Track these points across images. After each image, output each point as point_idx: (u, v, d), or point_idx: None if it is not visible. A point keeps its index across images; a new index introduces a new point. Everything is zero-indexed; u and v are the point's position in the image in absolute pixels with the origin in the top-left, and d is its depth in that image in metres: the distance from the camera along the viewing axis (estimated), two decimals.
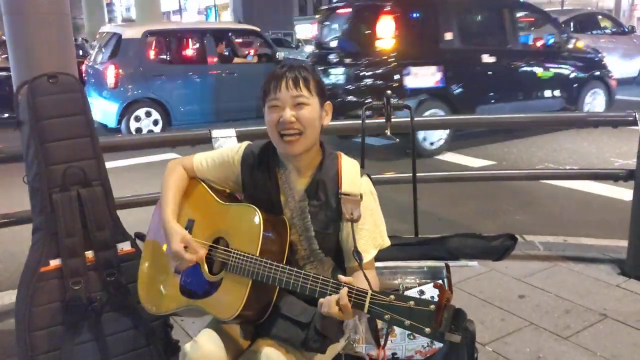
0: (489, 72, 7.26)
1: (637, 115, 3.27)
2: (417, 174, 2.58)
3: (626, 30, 12.73)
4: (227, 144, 2.82)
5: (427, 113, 6.58)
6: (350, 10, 7.45)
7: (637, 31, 14.11)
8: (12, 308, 2.30)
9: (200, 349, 1.54)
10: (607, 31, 12.56)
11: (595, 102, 8.19)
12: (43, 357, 2.06)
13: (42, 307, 2.07)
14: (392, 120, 2.58)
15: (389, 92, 2.50)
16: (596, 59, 8.29)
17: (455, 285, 2.09)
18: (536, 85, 7.61)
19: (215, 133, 2.89)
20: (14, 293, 2.21)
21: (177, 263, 1.63)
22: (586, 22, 12.38)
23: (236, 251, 1.56)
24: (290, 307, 1.58)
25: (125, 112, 8.04)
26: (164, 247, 1.76)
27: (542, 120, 4.83)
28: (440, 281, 1.99)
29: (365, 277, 1.51)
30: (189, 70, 8.84)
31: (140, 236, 2.02)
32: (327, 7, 8.60)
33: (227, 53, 9.59)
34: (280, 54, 9.29)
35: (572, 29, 11.25)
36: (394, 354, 1.90)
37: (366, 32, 7.11)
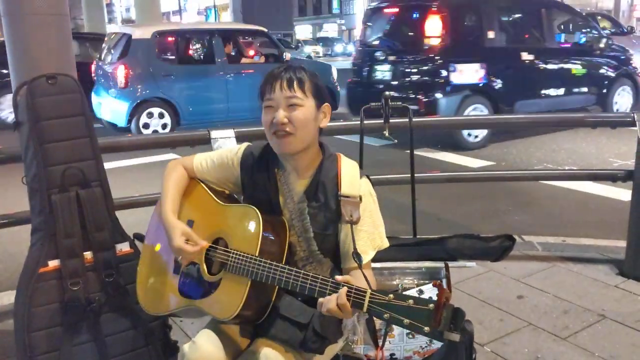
0: (527, 69, 7.59)
1: (635, 116, 3.27)
2: (416, 175, 2.59)
3: (625, 30, 12.77)
4: (226, 145, 2.82)
5: (469, 108, 7.04)
6: (397, 9, 7.91)
7: (636, 32, 14.13)
8: (11, 309, 2.30)
9: (199, 349, 1.54)
10: (607, 32, 12.55)
11: (622, 99, 8.52)
12: (42, 358, 2.06)
13: (41, 308, 2.07)
14: (391, 120, 2.58)
15: (387, 93, 2.50)
16: (623, 57, 8.64)
17: (453, 285, 2.09)
18: (570, 82, 8.00)
19: (215, 134, 2.90)
20: (13, 294, 2.21)
21: (180, 257, 1.64)
22: None
23: (235, 251, 1.57)
24: (289, 307, 1.59)
25: (135, 111, 8.10)
26: (157, 247, 1.77)
27: (541, 120, 4.84)
28: (439, 281, 2.00)
29: (365, 276, 1.52)
30: (198, 70, 8.91)
31: (139, 237, 2.02)
32: (372, 6, 8.94)
33: (233, 53, 9.62)
34: (287, 54, 9.34)
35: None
36: (392, 354, 1.90)
37: (413, 30, 7.59)
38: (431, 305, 1.27)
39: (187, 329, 2.71)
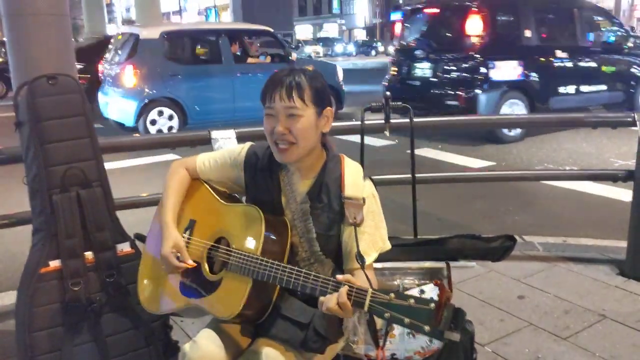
0: (560, 67, 8.01)
1: (636, 116, 3.27)
2: (417, 175, 2.59)
3: None
4: (227, 145, 2.82)
5: (507, 103, 7.50)
6: (437, 9, 8.40)
7: (637, 31, 14.14)
8: (12, 309, 2.30)
9: (200, 349, 1.55)
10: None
11: None
12: (43, 358, 2.06)
13: (42, 308, 2.07)
14: (392, 121, 2.58)
15: (388, 93, 2.50)
16: None
17: (454, 285, 2.09)
18: (600, 79, 8.40)
19: (215, 134, 2.90)
20: (14, 294, 2.21)
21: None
22: None
23: (237, 251, 1.57)
24: (290, 307, 1.59)
25: (143, 111, 8.16)
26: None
27: (541, 120, 4.84)
28: (440, 280, 2.00)
29: (366, 276, 1.52)
30: (205, 70, 8.95)
31: (140, 237, 2.02)
32: (412, 6, 9.41)
33: (239, 53, 9.65)
34: (294, 54, 9.36)
35: None
36: (393, 354, 1.90)
37: (454, 29, 8.03)
38: (432, 305, 1.27)
39: (187, 329, 2.71)
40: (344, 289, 1.38)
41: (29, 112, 2.10)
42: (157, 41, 8.34)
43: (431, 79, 7.90)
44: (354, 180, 1.65)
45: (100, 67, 9.17)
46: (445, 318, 1.25)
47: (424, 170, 3.89)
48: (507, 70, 7.51)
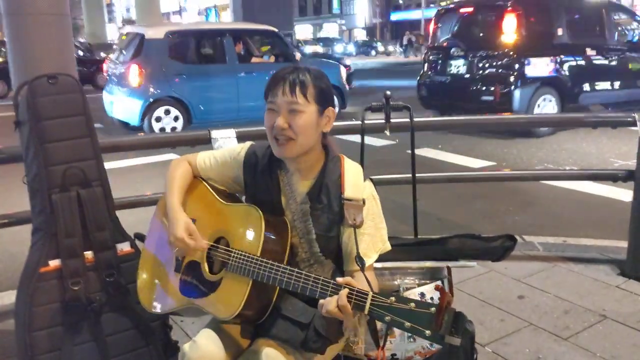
0: (590, 64, 8.37)
1: (636, 116, 3.27)
2: (417, 175, 2.58)
3: None
4: (227, 145, 2.82)
5: (540, 98, 7.88)
6: (472, 9, 8.76)
7: None
8: (11, 308, 2.30)
9: (200, 349, 1.54)
10: None
11: None
12: (43, 357, 2.06)
13: (42, 308, 2.07)
14: (392, 120, 2.58)
15: (388, 92, 2.50)
16: None
17: (454, 285, 2.09)
18: (627, 77, 8.75)
19: (215, 134, 2.89)
20: (14, 293, 2.21)
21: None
22: None
23: (237, 251, 1.57)
24: (290, 307, 1.58)
25: (148, 110, 8.20)
26: (158, 247, 1.76)
27: (540, 120, 4.84)
28: (439, 282, 1.99)
29: (367, 279, 1.52)
30: (209, 69, 8.99)
31: (140, 237, 2.02)
32: (446, 6, 9.96)
33: (243, 53, 9.67)
34: (298, 54, 9.38)
35: None
36: (393, 354, 1.90)
37: (489, 27, 8.43)
38: (433, 309, 1.26)
39: (187, 329, 2.71)
40: (344, 292, 1.38)
41: (29, 111, 2.10)
42: (162, 41, 8.38)
43: (465, 75, 8.30)
44: (354, 181, 1.65)
45: (104, 67, 9.24)
46: (446, 322, 1.25)
47: (424, 170, 3.88)
48: (540, 67, 7.88)
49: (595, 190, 5.16)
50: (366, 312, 1.35)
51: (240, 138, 2.87)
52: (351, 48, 43.76)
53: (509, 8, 7.88)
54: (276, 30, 9.64)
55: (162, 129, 8.26)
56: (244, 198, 1.82)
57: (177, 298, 1.68)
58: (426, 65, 9.15)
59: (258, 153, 1.74)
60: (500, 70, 7.97)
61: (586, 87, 8.29)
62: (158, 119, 8.28)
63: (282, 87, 1.57)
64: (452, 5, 9.54)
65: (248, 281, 1.52)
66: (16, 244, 3.67)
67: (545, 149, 7.06)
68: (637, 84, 8.85)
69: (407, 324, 1.28)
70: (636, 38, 9.02)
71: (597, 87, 8.41)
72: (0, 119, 5.38)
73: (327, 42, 43.64)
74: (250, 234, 1.58)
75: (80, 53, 16.99)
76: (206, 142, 2.92)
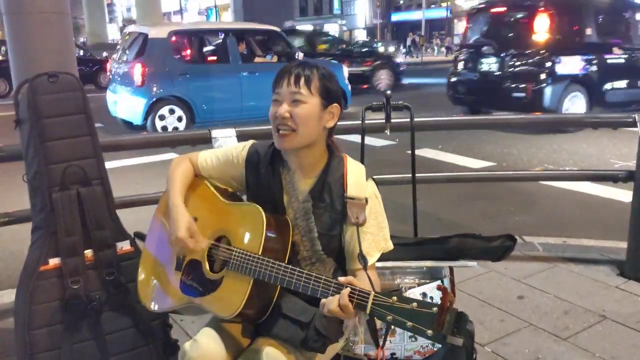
0: (617, 63, 8.67)
1: (636, 117, 3.27)
2: (417, 175, 2.58)
3: None
4: (227, 144, 2.82)
5: (569, 95, 8.21)
6: (505, 8, 9.11)
7: None
8: (11, 307, 2.30)
9: (200, 347, 1.54)
10: None
11: None
12: (42, 356, 2.06)
13: (42, 306, 2.07)
14: (392, 120, 2.58)
15: (389, 92, 2.50)
16: None
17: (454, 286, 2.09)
18: None
19: (215, 133, 2.89)
20: (14, 292, 2.21)
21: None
22: None
23: (238, 250, 1.57)
24: (291, 306, 1.58)
25: (151, 109, 8.22)
26: (159, 246, 1.76)
27: (541, 121, 4.84)
28: (440, 281, 2.00)
29: (369, 278, 1.52)
30: (212, 69, 9.03)
31: (140, 235, 2.02)
32: (478, 5, 10.18)
33: (246, 52, 9.69)
34: (300, 54, 9.41)
35: None
36: (392, 354, 1.90)
37: (521, 27, 8.72)
38: (435, 309, 1.26)
39: (187, 328, 2.71)
40: (345, 291, 1.38)
41: (29, 109, 2.10)
42: (166, 40, 8.39)
43: (497, 73, 8.65)
44: (357, 180, 1.65)
45: (108, 66, 9.26)
46: (448, 322, 1.25)
47: (424, 170, 3.89)
48: (570, 65, 8.21)
49: (596, 191, 5.16)
50: (368, 311, 1.35)
51: (241, 137, 2.87)
52: None
53: (542, 8, 8.23)
54: (279, 29, 9.66)
55: (164, 128, 8.28)
56: (245, 197, 1.82)
57: (177, 297, 1.68)
58: (457, 63, 9.51)
59: (260, 151, 1.74)
60: (531, 68, 8.27)
61: (613, 85, 8.58)
62: (162, 117, 8.30)
63: (288, 78, 1.59)
64: (483, 6, 9.88)
65: (249, 280, 1.52)
66: (16, 242, 3.67)
67: (545, 150, 7.06)
68: None
69: (409, 323, 1.28)
70: None
71: (623, 86, 8.71)
72: (0, 118, 5.39)
73: None
74: (251, 233, 1.58)
75: (81, 53, 17.02)
76: (206, 142, 2.92)
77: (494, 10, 9.32)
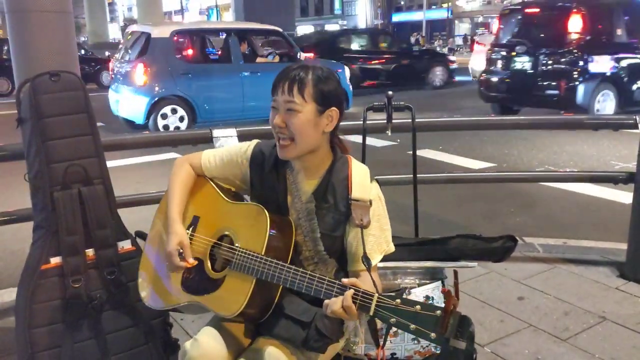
0: None
1: (637, 119, 3.27)
2: (418, 175, 2.59)
3: None
4: (228, 144, 2.82)
5: (600, 93, 8.54)
6: (538, 10, 9.52)
7: None
8: (12, 306, 2.31)
9: (201, 346, 1.54)
10: None
11: None
12: (43, 355, 2.06)
13: (43, 305, 2.07)
14: (393, 120, 2.58)
15: (390, 92, 2.50)
16: None
17: None
18: None
19: (216, 132, 2.90)
20: (15, 291, 2.21)
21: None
22: None
23: (241, 249, 1.57)
24: (292, 306, 1.59)
25: (153, 109, 8.24)
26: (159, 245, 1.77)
27: (541, 122, 4.83)
28: (440, 282, 2.00)
29: (373, 280, 1.52)
30: (214, 69, 9.07)
31: (141, 235, 2.02)
32: (512, 6, 10.72)
33: (248, 52, 9.70)
34: (302, 54, 9.41)
35: None
36: (393, 354, 1.90)
37: (555, 27, 9.03)
38: (438, 312, 1.26)
39: (188, 327, 2.71)
40: (349, 293, 1.38)
41: (31, 109, 2.10)
42: (168, 40, 8.41)
43: (530, 71, 8.93)
44: (361, 181, 1.65)
45: (111, 65, 9.26)
46: (452, 325, 1.25)
47: (425, 170, 3.89)
48: (601, 64, 8.51)
49: (596, 192, 5.16)
50: (371, 313, 1.35)
51: (242, 137, 2.87)
52: None
53: (574, 9, 8.57)
54: (280, 30, 9.67)
55: (166, 127, 8.29)
56: (248, 197, 1.82)
57: (179, 295, 1.68)
58: (490, 62, 9.76)
59: (265, 151, 1.73)
60: (565, 67, 8.59)
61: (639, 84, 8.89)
62: (164, 116, 8.31)
63: (282, 86, 1.57)
64: (517, 7, 10.25)
65: (251, 279, 1.52)
66: (17, 241, 3.67)
67: (546, 151, 7.06)
68: None
69: (412, 326, 1.28)
70: None
71: None
72: (2, 117, 5.39)
73: None
74: (254, 233, 1.58)
75: (82, 52, 17.04)
76: (208, 141, 2.92)
77: (527, 10, 9.65)
